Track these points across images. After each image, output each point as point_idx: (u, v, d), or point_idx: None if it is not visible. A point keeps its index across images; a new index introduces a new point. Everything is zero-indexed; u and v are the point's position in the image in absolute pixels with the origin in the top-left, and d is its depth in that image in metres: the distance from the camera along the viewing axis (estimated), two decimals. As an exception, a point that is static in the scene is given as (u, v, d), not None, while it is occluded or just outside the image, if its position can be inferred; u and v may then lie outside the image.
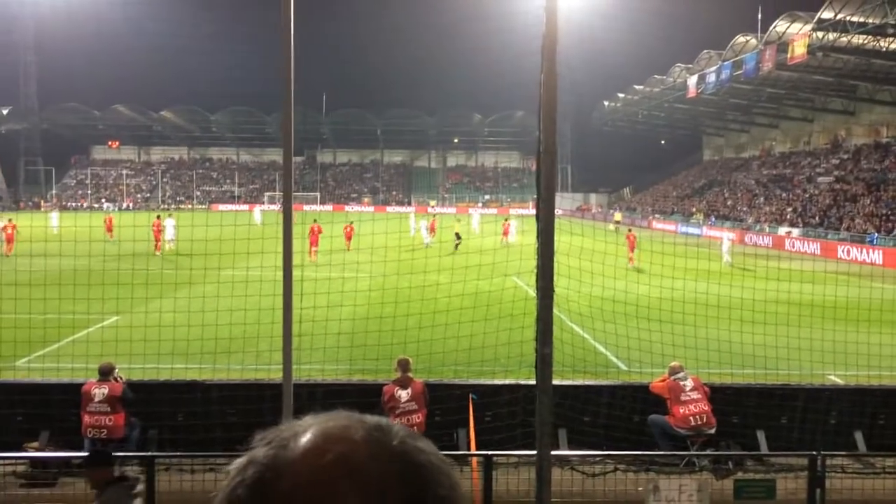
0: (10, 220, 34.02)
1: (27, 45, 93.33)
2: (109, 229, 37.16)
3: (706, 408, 9.34)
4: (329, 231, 32.05)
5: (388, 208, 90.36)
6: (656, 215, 73.24)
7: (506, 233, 38.72)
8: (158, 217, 33.98)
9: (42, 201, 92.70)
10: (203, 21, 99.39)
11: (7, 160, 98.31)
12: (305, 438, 0.83)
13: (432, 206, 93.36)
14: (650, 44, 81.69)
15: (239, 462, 0.86)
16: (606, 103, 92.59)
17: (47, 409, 9.44)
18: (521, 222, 35.03)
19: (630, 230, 35.87)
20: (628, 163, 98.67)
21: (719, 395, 9.78)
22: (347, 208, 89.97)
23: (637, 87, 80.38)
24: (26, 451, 8.89)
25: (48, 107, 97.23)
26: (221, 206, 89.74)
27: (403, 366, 9.28)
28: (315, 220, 32.32)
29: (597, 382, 10.71)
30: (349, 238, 34.20)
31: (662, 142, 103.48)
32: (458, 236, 36.25)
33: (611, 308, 12.95)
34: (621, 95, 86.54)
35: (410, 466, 0.83)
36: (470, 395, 9.46)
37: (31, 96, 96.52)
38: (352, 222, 34.26)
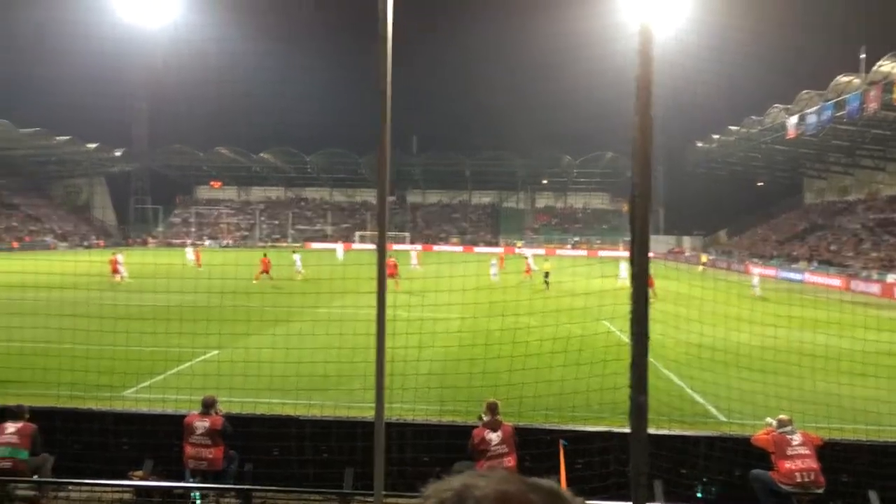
0: (113, 254, 39.08)
1: (139, 92, 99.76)
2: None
3: (815, 465, 8.81)
4: (435, 269, 33.24)
5: (476, 248, 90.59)
6: (754, 259, 70.59)
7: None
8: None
9: (150, 238, 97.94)
10: (301, 69, 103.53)
11: (119, 199, 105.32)
12: (485, 500, 0.85)
13: (519, 247, 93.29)
14: (746, 84, 79.41)
15: None
16: (700, 144, 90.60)
17: (152, 438, 9.79)
18: (601, 266, 34.86)
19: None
20: (723, 205, 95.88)
21: (827, 452, 9.21)
22: (436, 248, 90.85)
23: (732, 128, 78.33)
24: (131, 479, 9.22)
25: (157, 149, 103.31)
26: (315, 245, 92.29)
27: (493, 409, 9.22)
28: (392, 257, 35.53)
29: (694, 433, 10.29)
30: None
31: (760, 184, 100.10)
32: (546, 275, 36.99)
33: (709, 356, 12.50)
34: (716, 136, 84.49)
35: None
36: (560, 441, 9.27)
37: (143, 139, 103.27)
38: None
